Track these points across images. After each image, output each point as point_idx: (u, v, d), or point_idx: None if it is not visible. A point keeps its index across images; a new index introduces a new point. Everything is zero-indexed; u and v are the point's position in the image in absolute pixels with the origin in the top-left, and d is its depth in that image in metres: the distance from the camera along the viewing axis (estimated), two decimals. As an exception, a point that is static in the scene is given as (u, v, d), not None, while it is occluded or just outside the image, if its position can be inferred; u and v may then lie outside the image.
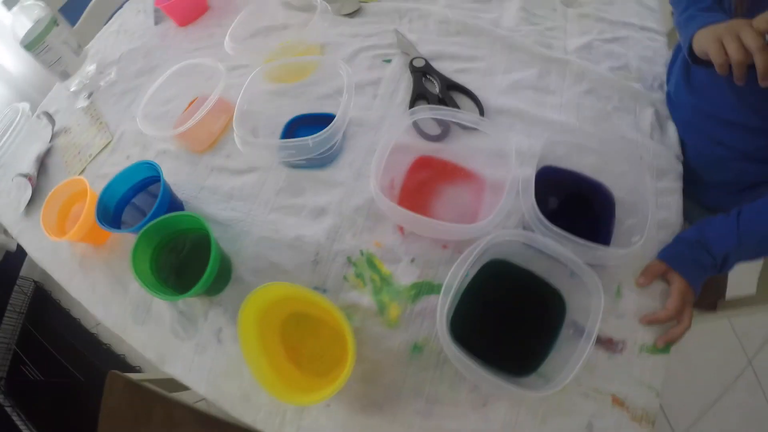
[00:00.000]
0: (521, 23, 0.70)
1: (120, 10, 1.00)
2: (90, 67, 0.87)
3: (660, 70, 0.65)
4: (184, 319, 0.56)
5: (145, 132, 0.64)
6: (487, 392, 0.47)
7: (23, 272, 1.54)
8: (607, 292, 0.45)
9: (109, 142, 0.75)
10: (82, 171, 0.73)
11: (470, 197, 0.55)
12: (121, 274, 0.61)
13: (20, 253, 1.46)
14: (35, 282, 1.52)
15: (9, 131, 0.80)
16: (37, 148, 0.80)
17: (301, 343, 0.50)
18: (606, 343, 0.48)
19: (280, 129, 0.64)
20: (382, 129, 0.61)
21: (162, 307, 0.57)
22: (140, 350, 0.56)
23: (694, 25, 0.50)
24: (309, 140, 0.50)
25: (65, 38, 0.83)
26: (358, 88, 0.64)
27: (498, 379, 0.40)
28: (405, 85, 0.65)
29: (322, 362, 0.48)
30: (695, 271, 0.49)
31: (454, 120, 0.54)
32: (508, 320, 0.50)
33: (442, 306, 0.42)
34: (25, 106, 0.85)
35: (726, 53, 0.44)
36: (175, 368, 0.53)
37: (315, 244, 0.54)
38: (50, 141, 0.80)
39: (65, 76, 0.85)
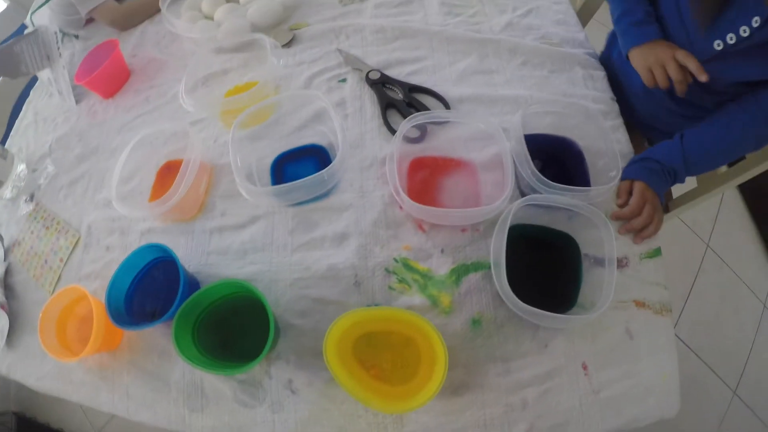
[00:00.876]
0: (447, 17, 0.80)
1: (27, 100, 0.94)
2: (19, 168, 0.82)
3: (574, 29, 0.79)
4: (247, 386, 0.58)
5: (130, 215, 0.64)
6: (543, 336, 0.56)
7: (-3, 408, 1.41)
8: (601, 222, 0.56)
9: (78, 240, 0.72)
10: (58, 279, 0.70)
11: (467, 182, 0.64)
12: (154, 369, 0.61)
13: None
14: (14, 413, 1.42)
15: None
16: None
17: (379, 360, 0.54)
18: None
19: (267, 172, 0.68)
20: (366, 145, 0.68)
21: (217, 384, 0.58)
22: (210, 437, 0.57)
23: (628, 40, 0.65)
24: (324, 174, 0.55)
25: None
26: (327, 113, 0.71)
27: (563, 316, 0.51)
28: (369, 99, 0.71)
29: (406, 368, 0.54)
30: (650, 176, 0.62)
31: (431, 121, 0.64)
32: (539, 270, 0.60)
33: (498, 276, 0.51)
34: None
35: (654, 78, 0.61)
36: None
37: (350, 268, 0.59)
38: (5, 259, 0.75)
39: None
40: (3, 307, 0.71)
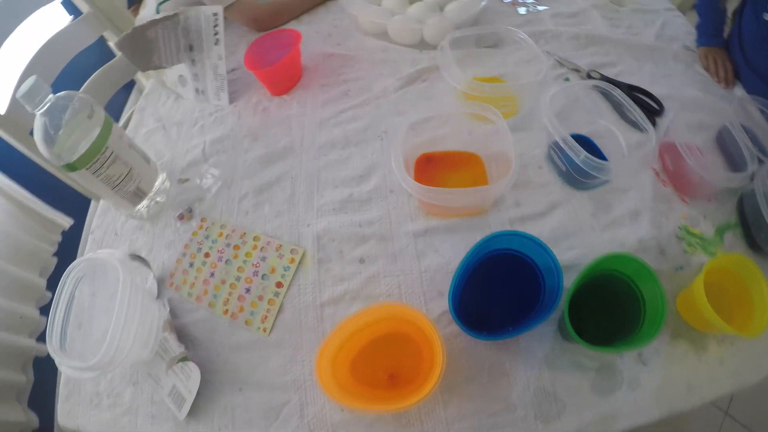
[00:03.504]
0: (612, 28, 0.98)
1: (139, 107, 0.91)
2: (159, 179, 0.71)
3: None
4: (603, 371, 0.62)
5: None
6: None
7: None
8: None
9: (303, 256, 0.67)
10: (279, 311, 0.63)
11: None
12: (485, 390, 0.59)
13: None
14: None
15: (125, 305, 0.53)
16: (153, 311, 0.61)
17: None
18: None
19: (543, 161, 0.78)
20: (613, 136, 0.83)
21: (570, 381, 0.60)
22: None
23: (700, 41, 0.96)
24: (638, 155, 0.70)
25: (129, 140, 0.65)
26: (571, 108, 0.84)
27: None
28: (599, 96, 0.85)
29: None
30: None
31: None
32: None
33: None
34: (114, 253, 0.57)
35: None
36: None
37: (653, 239, 0.72)
38: (159, 295, 0.64)
39: (139, 196, 0.67)
40: (193, 360, 0.60)
